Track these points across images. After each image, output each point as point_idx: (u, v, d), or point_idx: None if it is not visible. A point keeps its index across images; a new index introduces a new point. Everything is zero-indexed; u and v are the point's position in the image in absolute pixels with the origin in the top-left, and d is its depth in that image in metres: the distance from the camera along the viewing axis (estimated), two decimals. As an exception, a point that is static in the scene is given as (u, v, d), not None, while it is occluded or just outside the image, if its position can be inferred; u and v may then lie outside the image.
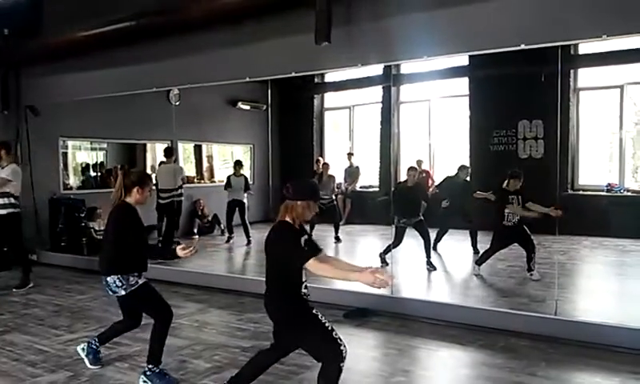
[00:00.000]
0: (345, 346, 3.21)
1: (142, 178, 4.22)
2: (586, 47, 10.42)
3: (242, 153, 13.57)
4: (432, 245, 8.39)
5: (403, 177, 12.53)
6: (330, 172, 11.20)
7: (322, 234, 10.19)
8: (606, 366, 4.38)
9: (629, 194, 10.53)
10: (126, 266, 4.10)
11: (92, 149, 11.86)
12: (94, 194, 10.64)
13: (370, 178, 13.17)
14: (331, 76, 13.65)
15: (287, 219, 3.25)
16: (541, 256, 7.16)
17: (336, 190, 11.42)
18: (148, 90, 8.19)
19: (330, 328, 3.23)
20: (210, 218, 11.91)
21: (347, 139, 13.90)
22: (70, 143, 11.12)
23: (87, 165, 11.72)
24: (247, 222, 10.55)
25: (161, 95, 10.40)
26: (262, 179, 12.45)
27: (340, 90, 13.90)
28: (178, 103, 10.82)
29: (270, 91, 9.79)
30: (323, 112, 14.52)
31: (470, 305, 6.13)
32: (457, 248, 9.41)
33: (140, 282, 4.13)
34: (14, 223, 7.25)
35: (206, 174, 13.56)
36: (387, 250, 7.67)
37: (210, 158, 13.98)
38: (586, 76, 11.06)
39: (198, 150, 13.51)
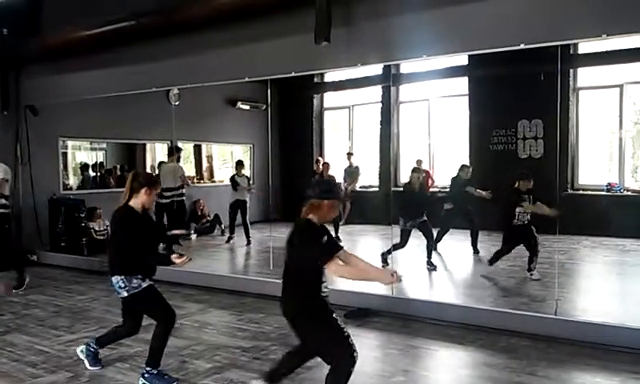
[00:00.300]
0: (357, 352, 3.22)
1: (151, 180, 4.24)
2: (585, 46, 10.42)
3: (242, 153, 13.57)
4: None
5: (403, 177, 12.64)
6: (329, 172, 11.19)
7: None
8: (606, 366, 4.38)
9: (629, 193, 10.53)
10: (129, 267, 4.11)
11: (92, 149, 11.86)
12: (94, 194, 10.65)
13: (369, 177, 13.17)
14: (331, 76, 13.65)
15: (311, 217, 3.25)
16: (541, 256, 7.15)
17: None
18: (147, 90, 8.19)
19: (346, 333, 3.24)
20: (210, 218, 11.91)
21: (347, 139, 13.90)
22: (69, 143, 11.12)
23: (85, 165, 11.71)
24: (248, 222, 10.56)
25: (160, 95, 10.40)
26: (261, 179, 12.45)
27: (339, 90, 13.89)
28: (177, 103, 10.82)
29: (269, 91, 9.76)
30: (323, 112, 14.52)
31: (471, 305, 6.13)
32: (457, 248, 9.41)
33: (144, 284, 4.12)
34: (7, 223, 7.24)
35: (205, 174, 13.56)
36: (389, 250, 7.66)
37: (209, 157, 13.99)
38: (585, 75, 11.06)
39: (197, 150, 13.51)
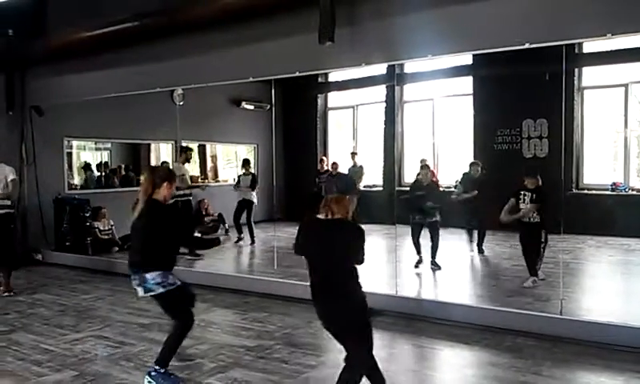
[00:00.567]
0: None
1: (170, 174, 4.29)
2: (590, 46, 10.39)
3: (246, 152, 13.58)
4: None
5: (407, 176, 12.63)
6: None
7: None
8: (611, 366, 4.37)
9: (634, 193, 10.48)
10: (166, 262, 4.10)
11: (96, 149, 11.89)
12: (99, 193, 10.69)
13: (373, 177, 13.16)
14: (335, 75, 13.66)
15: (342, 214, 3.25)
16: (546, 255, 7.12)
17: None
18: (152, 90, 8.21)
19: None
20: (215, 218, 11.91)
21: (351, 138, 13.89)
22: (74, 143, 11.16)
23: (88, 164, 11.72)
24: (252, 222, 10.53)
25: (165, 95, 10.43)
26: (265, 179, 12.46)
27: (344, 90, 13.90)
28: (181, 103, 10.84)
29: (273, 91, 9.78)
30: (327, 111, 14.52)
31: (475, 304, 6.13)
32: (461, 247, 9.40)
33: (177, 282, 4.12)
34: (12, 223, 7.26)
35: (209, 174, 13.58)
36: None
37: (213, 157, 14.01)
38: (590, 75, 11.02)
39: (201, 150, 13.53)
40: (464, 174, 9.06)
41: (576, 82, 10.86)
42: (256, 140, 13.50)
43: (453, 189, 9.87)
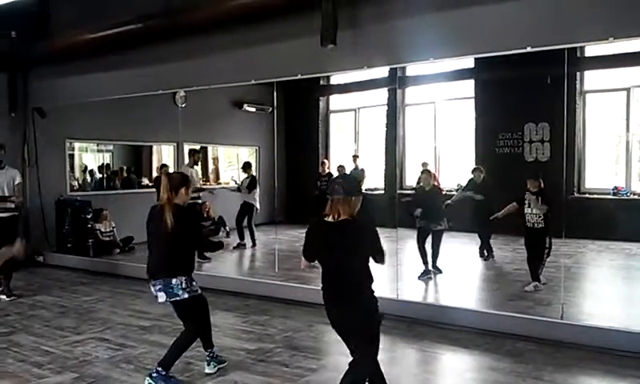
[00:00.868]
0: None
1: (186, 179, 4.32)
2: (592, 50, 10.38)
3: (248, 155, 13.59)
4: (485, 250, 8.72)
5: (409, 179, 12.63)
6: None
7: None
8: (612, 371, 4.36)
9: (635, 197, 10.47)
10: (191, 267, 4.18)
11: (98, 151, 11.90)
12: (100, 195, 10.69)
13: (375, 180, 13.16)
14: (337, 78, 13.67)
15: (348, 215, 3.22)
16: (547, 259, 7.10)
17: None
18: (154, 93, 8.23)
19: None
20: (216, 220, 11.90)
21: (352, 141, 13.90)
22: (76, 145, 11.17)
23: (85, 167, 11.70)
24: (254, 225, 10.49)
25: (167, 97, 10.44)
26: (267, 181, 12.47)
27: (345, 93, 13.91)
28: (184, 105, 10.85)
29: (275, 93, 9.77)
30: (329, 114, 14.54)
31: (476, 308, 6.12)
32: (462, 251, 9.40)
33: (199, 290, 4.20)
34: (15, 225, 7.26)
35: (211, 176, 13.58)
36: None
37: (215, 160, 14.02)
38: (592, 78, 11.02)
39: (203, 152, 13.52)
40: (469, 180, 9.01)
41: (578, 86, 10.86)
42: (258, 142, 13.51)
43: (454, 192, 9.86)
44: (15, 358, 4.78)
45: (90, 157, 11.99)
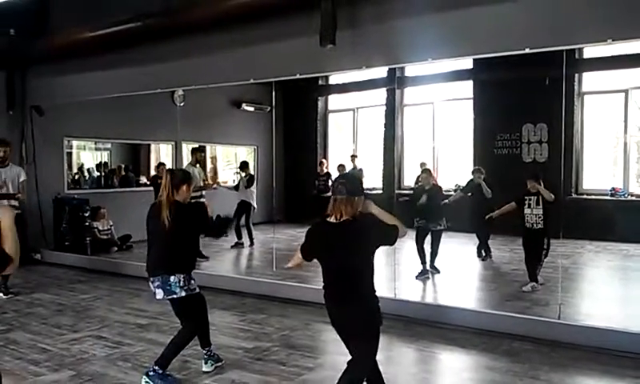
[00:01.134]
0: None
1: (188, 176, 4.33)
2: (590, 51, 10.41)
3: (246, 154, 13.59)
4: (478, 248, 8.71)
5: (407, 180, 12.64)
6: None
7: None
8: (609, 371, 4.37)
9: (633, 198, 10.50)
10: (190, 265, 4.18)
11: (96, 149, 11.89)
12: (98, 193, 10.69)
13: (373, 180, 13.17)
14: (335, 78, 13.68)
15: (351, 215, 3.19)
16: (545, 260, 7.11)
17: None
18: (153, 91, 8.22)
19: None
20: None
21: (351, 141, 13.91)
22: (74, 143, 11.16)
23: (80, 166, 11.68)
24: (251, 224, 10.49)
25: (165, 96, 10.42)
26: (265, 180, 12.47)
27: (344, 93, 13.93)
28: (182, 104, 10.81)
29: (274, 93, 9.77)
30: (327, 114, 14.54)
31: (474, 308, 6.13)
32: (460, 251, 9.41)
33: (197, 288, 4.20)
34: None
35: (209, 175, 13.56)
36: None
37: (213, 159, 14.01)
38: (590, 80, 11.05)
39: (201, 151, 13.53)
40: (469, 181, 9.00)
41: (576, 87, 10.89)
42: (256, 142, 13.51)
43: (452, 192, 9.87)
44: (12, 356, 4.77)
45: (88, 155, 11.99)
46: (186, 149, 12.04)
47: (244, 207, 10.37)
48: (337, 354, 4.04)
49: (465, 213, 8.83)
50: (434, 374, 4.64)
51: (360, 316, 3.19)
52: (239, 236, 10.41)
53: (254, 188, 10.52)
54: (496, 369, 4.43)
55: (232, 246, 10.31)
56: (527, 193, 6.73)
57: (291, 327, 5.52)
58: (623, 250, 9.55)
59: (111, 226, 10.12)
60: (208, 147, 13.59)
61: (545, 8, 5.10)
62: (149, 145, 12.38)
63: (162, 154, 12.62)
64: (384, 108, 13.07)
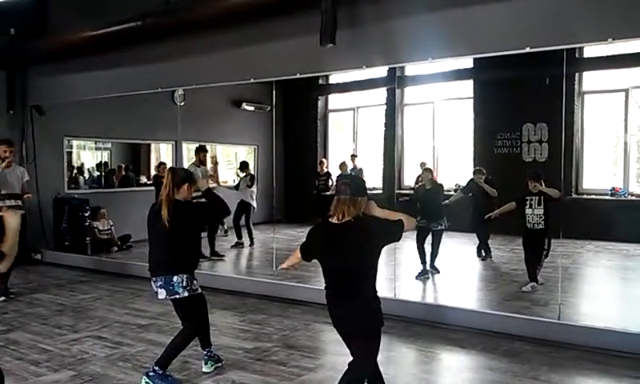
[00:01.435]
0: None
1: (190, 175, 4.32)
2: (591, 50, 10.39)
3: (246, 154, 13.59)
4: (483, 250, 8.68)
5: (407, 179, 12.63)
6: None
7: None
8: (609, 371, 4.37)
9: (633, 198, 10.49)
10: (193, 265, 4.18)
11: (96, 148, 11.89)
12: (98, 193, 10.68)
13: (373, 180, 13.16)
14: (335, 78, 13.67)
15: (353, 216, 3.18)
16: (545, 260, 7.11)
17: None
18: (153, 91, 8.22)
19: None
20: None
21: (351, 141, 13.90)
22: (74, 143, 11.16)
23: (79, 166, 11.68)
24: (251, 224, 10.48)
25: (165, 95, 10.41)
26: (265, 180, 12.46)
27: (344, 92, 13.92)
28: (182, 104, 10.81)
29: (274, 92, 9.78)
30: (327, 113, 14.53)
31: (473, 308, 6.13)
32: (460, 251, 9.40)
33: (200, 289, 4.20)
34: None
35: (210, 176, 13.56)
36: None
37: (213, 158, 13.98)
38: (590, 79, 11.03)
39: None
40: (469, 181, 8.98)
41: (576, 87, 10.87)
42: (256, 141, 13.50)
43: (453, 192, 9.87)
44: (12, 356, 4.77)
45: (89, 154, 11.98)
46: (186, 148, 12.05)
47: (244, 207, 10.36)
48: (337, 355, 4.05)
49: (465, 213, 8.82)
50: (434, 374, 4.63)
51: (361, 317, 3.19)
52: (239, 236, 10.40)
53: (254, 188, 10.51)
54: (496, 369, 4.43)
55: (232, 246, 10.31)
56: (528, 193, 6.72)
57: (291, 327, 5.52)
58: (623, 250, 9.54)
59: (111, 225, 10.12)
60: (208, 147, 13.56)
61: (545, 7, 5.09)
62: (149, 144, 12.38)
63: (162, 153, 12.62)
64: (384, 107, 13.06)
